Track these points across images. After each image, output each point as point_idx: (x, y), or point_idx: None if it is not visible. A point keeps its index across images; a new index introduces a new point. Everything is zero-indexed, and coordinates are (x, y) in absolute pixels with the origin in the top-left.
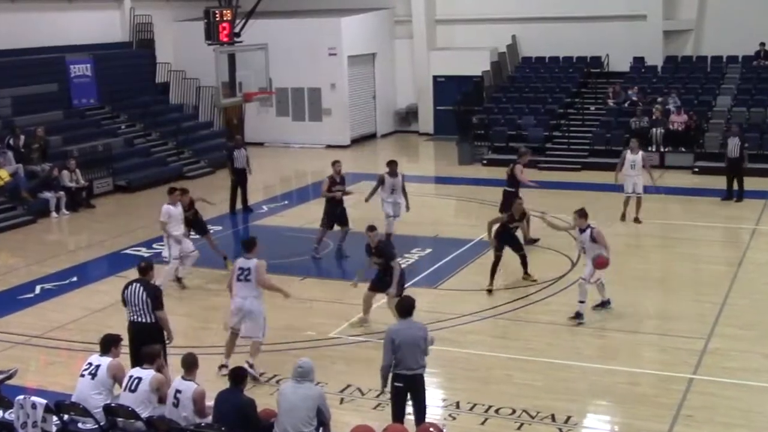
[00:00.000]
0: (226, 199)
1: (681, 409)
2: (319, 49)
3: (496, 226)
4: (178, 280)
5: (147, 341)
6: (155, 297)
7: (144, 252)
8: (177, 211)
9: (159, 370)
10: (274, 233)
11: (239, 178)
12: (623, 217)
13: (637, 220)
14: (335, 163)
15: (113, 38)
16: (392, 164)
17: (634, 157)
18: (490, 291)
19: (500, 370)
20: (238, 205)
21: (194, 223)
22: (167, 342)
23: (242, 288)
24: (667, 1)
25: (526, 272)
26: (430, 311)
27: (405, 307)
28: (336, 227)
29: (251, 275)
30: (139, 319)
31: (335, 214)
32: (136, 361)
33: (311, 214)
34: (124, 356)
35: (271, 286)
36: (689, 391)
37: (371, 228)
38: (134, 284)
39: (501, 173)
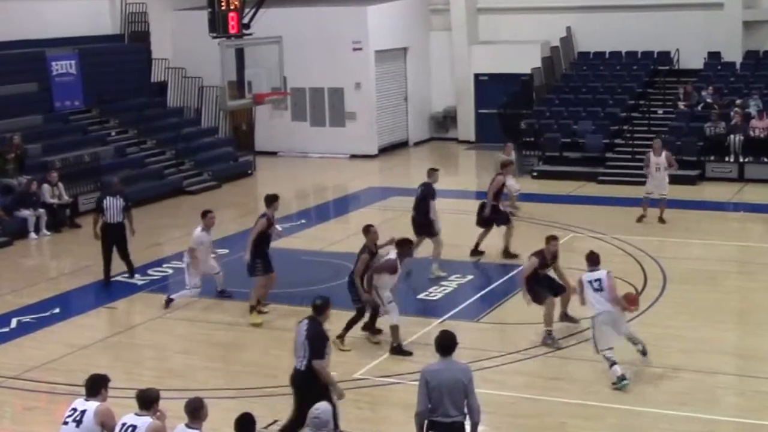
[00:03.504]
0: (227, 220)
1: None
2: (341, 43)
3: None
4: (222, 292)
5: (305, 393)
6: (314, 342)
7: (138, 279)
8: (209, 238)
9: (158, 417)
10: (289, 257)
11: (114, 236)
12: (640, 219)
13: (662, 220)
14: (369, 230)
15: (101, 30)
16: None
17: (657, 159)
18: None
19: (554, 417)
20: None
21: None
22: (335, 399)
23: None
24: None
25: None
26: (471, 348)
27: (444, 344)
28: None
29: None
30: (298, 366)
31: None
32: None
33: (331, 235)
34: (114, 400)
35: None
36: None
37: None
38: (303, 321)
39: (554, 187)
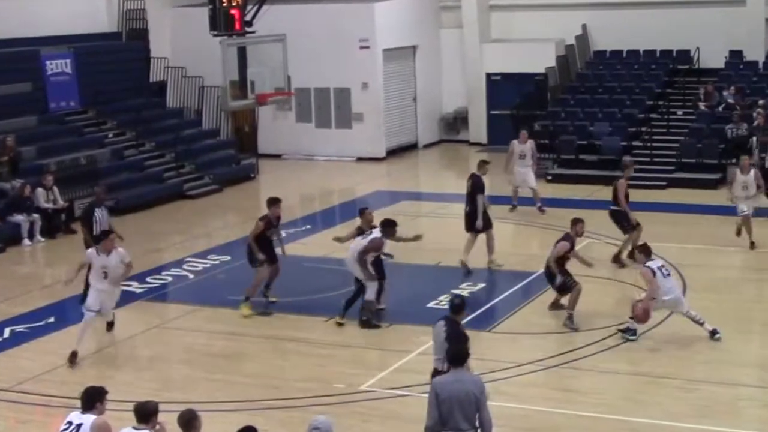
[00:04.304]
0: (230, 225)
1: None
2: (348, 41)
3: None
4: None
5: None
6: (454, 342)
7: (136, 287)
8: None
9: (157, 430)
10: (294, 264)
11: None
12: (739, 232)
13: (752, 245)
14: (365, 212)
15: (98, 28)
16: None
17: (745, 178)
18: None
19: (567, 430)
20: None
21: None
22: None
23: None
24: None
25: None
26: (483, 358)
27: (455, 355)
28: None
29: None
30: (439, 367)
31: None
32: None
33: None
34: (111, 413)
35: None
36: None
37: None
38: (440, 322)
39: (569, 191)
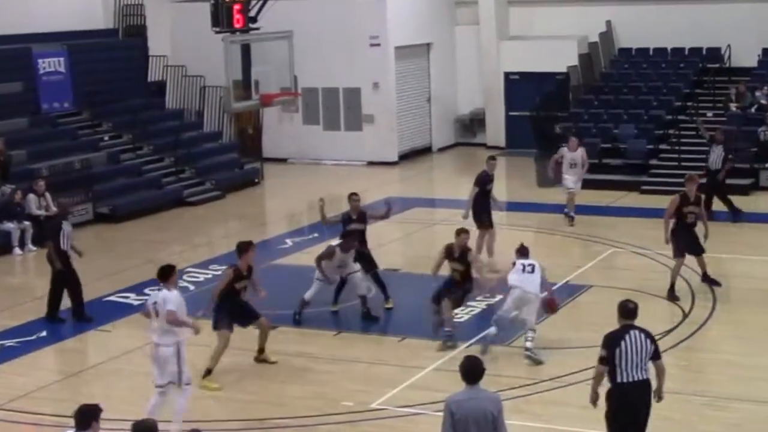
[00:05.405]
0: (232, 233)
1: None
2: (358, 39)
3: None
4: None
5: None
6: (657, 346)
7: (133, 300)
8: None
9: None
10: (299, 275)
11: (68, 265)
12: None
13: None
14: (352, 197)
15: (93, 24)
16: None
17: None
18: None
19: None
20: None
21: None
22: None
23: None
24: None
25: None
26: (500, 374)
27: (471, 371)
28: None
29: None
30: (636, 376)
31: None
32: None
33: None
34: None
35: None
36: None
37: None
38: (633, 331)
39: (592, 197)
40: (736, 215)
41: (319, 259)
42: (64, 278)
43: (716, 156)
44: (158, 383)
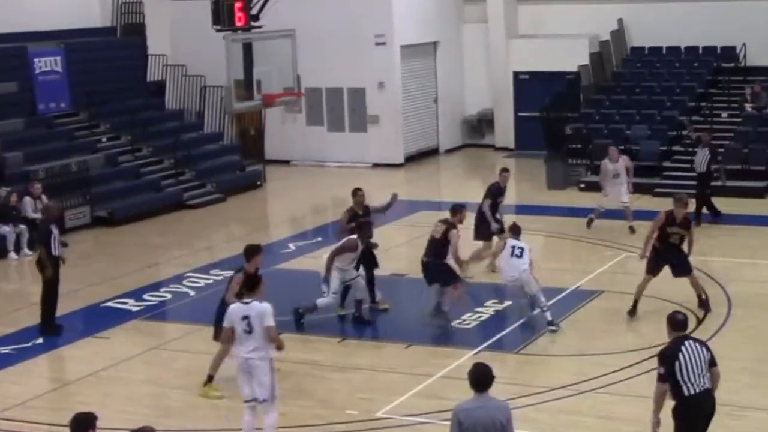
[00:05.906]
0: (234, 237)
1: None
2: (362, 37)
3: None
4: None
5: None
6: (712, 353)
7: (132, 306)
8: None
9: None
10: (303, 279)
11: (58, 271)
12: None
13: None
14: (357, 193)
15: (90, 23)
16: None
17: None
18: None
19: None
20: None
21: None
22: None
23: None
24: None
25: None
26: (510, 382)
27: (479, 379)
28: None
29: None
30: (702, 386)
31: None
32: None
33: None
34: None
35: None
36: None
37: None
38: (688, 342)
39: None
40: (716, 216)
41: (338, 252)
42: (56, 284)
43: (702, 158)
44: (247, 398)
